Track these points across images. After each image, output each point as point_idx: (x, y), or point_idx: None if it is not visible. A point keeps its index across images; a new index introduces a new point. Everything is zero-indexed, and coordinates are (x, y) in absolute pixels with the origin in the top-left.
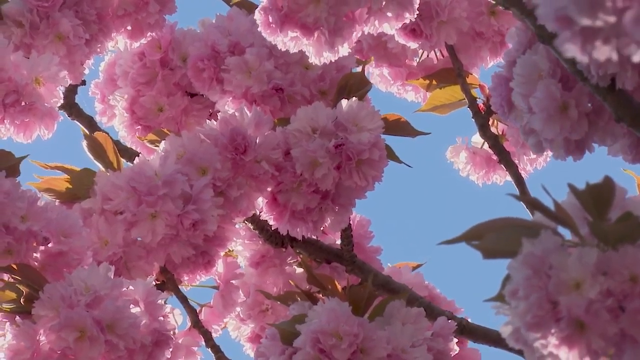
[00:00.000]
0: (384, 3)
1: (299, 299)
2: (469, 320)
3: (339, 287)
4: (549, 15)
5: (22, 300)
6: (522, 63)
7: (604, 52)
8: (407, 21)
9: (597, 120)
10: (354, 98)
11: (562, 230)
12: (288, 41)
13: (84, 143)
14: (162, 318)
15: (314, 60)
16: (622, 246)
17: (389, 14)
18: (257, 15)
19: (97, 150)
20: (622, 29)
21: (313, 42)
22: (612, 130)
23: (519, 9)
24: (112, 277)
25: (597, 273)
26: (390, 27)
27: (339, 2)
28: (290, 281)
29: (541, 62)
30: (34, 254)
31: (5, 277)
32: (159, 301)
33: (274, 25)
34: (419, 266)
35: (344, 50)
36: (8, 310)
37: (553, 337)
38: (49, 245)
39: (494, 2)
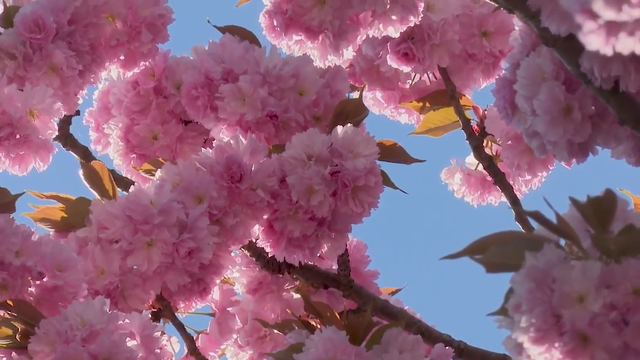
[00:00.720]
0: (388, 6)
1: (296, 327)
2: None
3: (336, 314)
4: (574, 7)
5: (17, 336)
6: (525, 65)
7: (627, 45)
8: (416, 21)
9: (600, 123)
10: (349, 124)
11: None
12: (292, 44)
13: (80, 171)
14: (158, 350)
15: (318, 63)
16: (624, 259)
17: (393, 17)
18: (262, 19)
19: (93, 178)
20: None
21: (317, 45)
22: (615, 133)
23: (523, 11)
24: (107, 310)
25: (601, 286)
26: (394, 30)
27: (343, 5)
28: (287, 310)
29: (545, 65)
30: (29, 289)
31: (1, 313)
32: (155, 334)
33: (278, 29)
34: (397, 291)
35: (348, 53)
36: (4, 346)
37: (557, 350)
38: (44, 279)
39: (486, 18)
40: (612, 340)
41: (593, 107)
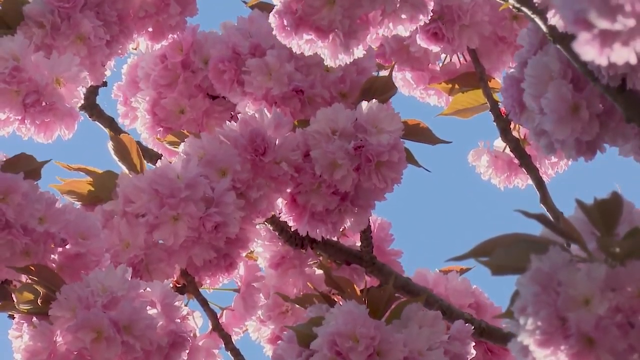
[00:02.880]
0: (397, 5)
1: (316, 301)
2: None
3: (357, 290)
4: (568, 17)
5: (39, 301)
6: (533, 64)
7: (622, 55)
8: (426, 20)
9: (608, 121)
10: (373, 100)
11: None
12: (303, 44)
13: (109, 144)
14: (178, 320)
15: (329, 62)
16: (630, 262)
17: (403, 16)
18: (272, 19)
19: (121, 152)
20: None
21: (328, 44)
22: (623, 131)
23: (530, 8)
24: (129, 278)
25: (606, 289)
26: (404, 29)
27: (353, 4)
28: (308, 283)
29: (552, 63)
30: (52, 256)
31: (23, 278)
32: (176, 303)
33: (288, 29)
34: (466, 270)
35: (358, 52)
36: (25, 311)
37: (562, 353)
38: (67, 247)
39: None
40: (617, 343)
41: (601, 106)
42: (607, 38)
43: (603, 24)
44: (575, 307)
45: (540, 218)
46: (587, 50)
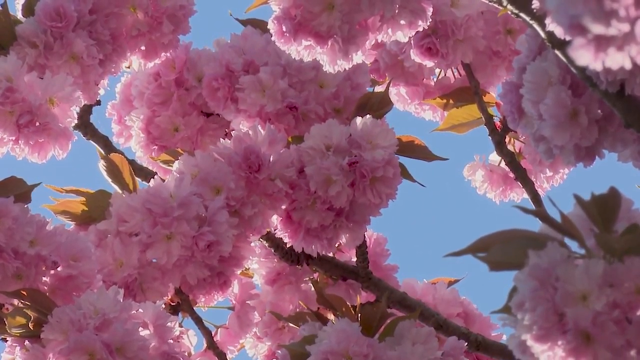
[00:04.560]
0: (396, 11)
1: (309, 319)
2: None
3: (350, 307)
4: (563, 22)
5: (30, 324)
6: (531, 70)
7: (617, 60)
8: (425, 26)
9: (607, 127)
10: (368, 115)
11: (568, 241)
12: (302, 50)
13: (100, 164)
14: (171, 341)
15: (328, 68)
16: (628, 258)
17: (402, 22)
18: (271, 25)
19: (113, 171)
20: (635, 37)
21: (327, 50)
22: (622, 137)
23: (529, 14)
24: (121, 300)
25: (604, 285)
26: (403, 35)
27: (352, 10)
28: (300, 302)
29: (551, 69)
30: (44, 278)
31: (15, 302)
32: (169, 324)
33: (287, 35)
34: (455, 282)
35: (357, 58)
36: (18, 334)
37: (560, 349)
38: (58, 269)
39: (511, 16)
40: (614, 339)
41: (599, 111)
42: (601, 43)
43: (598, 28)
44: (572, 303)
45: (538, 214)
46: (582, 55)
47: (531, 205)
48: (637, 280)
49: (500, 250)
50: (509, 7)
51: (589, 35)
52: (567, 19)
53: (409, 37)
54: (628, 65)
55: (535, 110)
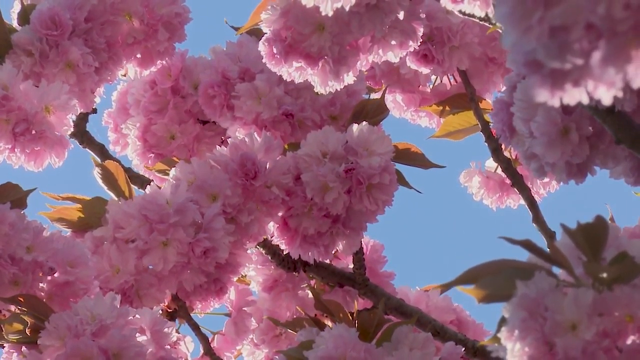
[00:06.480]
0: (387, 31)
1: (306, 325)
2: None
3: (347, 313)
4: (519, 60)
5: (27, 331)
6: (522, 88)
7: (574, 95)
8: (416, 46)
9: (598, 143)
10: (364, 122)
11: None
12: (293, 71)
13: (96, 171)
14: (168, 347)
15: (319, 89)
16: (617, 286)
17: (393, 42)
18: (261, 47)
19: (108, 178)
20: (590, 71)
21: (318, 71)
22: (613, 153)
23: None
24: (118, 306)
25: (593, 314)
26: (394, 55)
27: (342, 31)
28: (297, 307)
29: None
30: (41, 284)
31: (12, 308)
32: (166, 329)
33: (278, 56)
34: (448, 288)
35: (349, 78)
36: (15, 341)
37: None
38: (55, 275)
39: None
40: None
41: (590, 128)
42: (557, 79)
43: (553, 63)
44: (562, 333)
45: (525, 244)
46: (539, 92)
47: (528, 212)
48: (626, 309)
49: (488, 282)
50: (498, 24)
51: (544, 70)
52: (522, 55)
53: None
54: (586, 101)
55: (527, 128)
